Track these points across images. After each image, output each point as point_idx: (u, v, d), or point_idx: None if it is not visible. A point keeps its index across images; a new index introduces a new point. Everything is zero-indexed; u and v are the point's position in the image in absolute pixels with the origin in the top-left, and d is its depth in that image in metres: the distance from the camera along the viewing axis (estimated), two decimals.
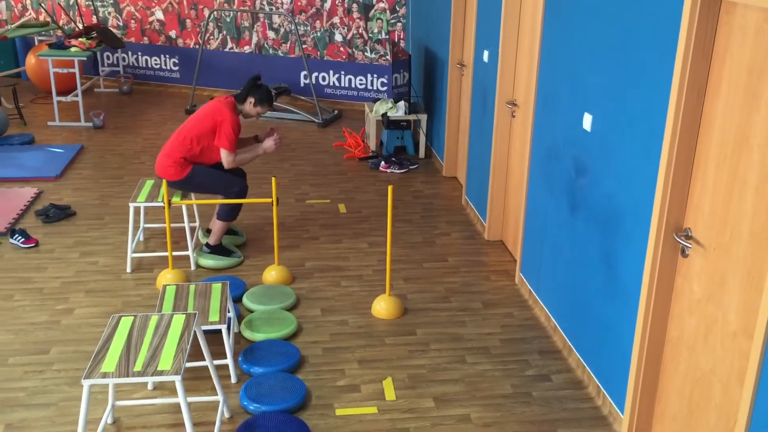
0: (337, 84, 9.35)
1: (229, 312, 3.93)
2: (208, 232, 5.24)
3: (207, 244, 4.97)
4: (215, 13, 9.47)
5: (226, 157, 4.75)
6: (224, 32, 9.54)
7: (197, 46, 9.68)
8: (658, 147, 2.97)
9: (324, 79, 9.37)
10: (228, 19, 9.48)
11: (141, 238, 5.30)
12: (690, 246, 2.90)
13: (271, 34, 9.41)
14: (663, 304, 3.08)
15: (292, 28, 9.26)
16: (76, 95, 8.22)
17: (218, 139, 4.72)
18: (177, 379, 2.84)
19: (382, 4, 8.97)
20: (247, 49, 9.51)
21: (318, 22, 9.19)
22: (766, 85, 2.43)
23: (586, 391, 3.70)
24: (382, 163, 7.03)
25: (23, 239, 5.16)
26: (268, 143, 4.92)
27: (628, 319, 3.29)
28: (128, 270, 4.85)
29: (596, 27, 3.57)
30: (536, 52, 4.36)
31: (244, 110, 4.87)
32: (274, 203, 4.58)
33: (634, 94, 3.18)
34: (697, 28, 2.68)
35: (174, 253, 4.93)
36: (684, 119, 2.81)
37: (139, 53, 9.95)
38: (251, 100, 4.83)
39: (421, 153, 7.42)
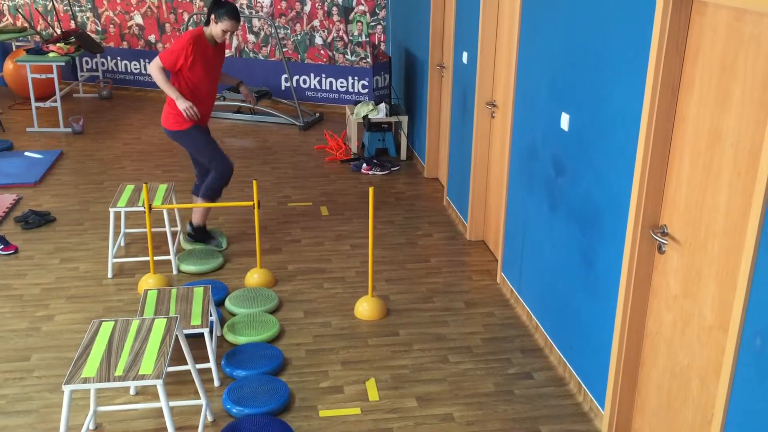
0: (318, 87, 9.36)
1: (211, 316, 3.93)
2: (189, 236, 5.23)
3: (189, 233, 4.99)
4: (195, 17, 9.45)
5: (152, 63, 4.65)
6: None
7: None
8: (633, 145, 3.01)
9: (305, 82, 9.37)
10: None
11: (122, 244, 5.28)
12: (666, 242, 2.94)
13: (251, 38, 9.40)
14: (641, 300, 3.12)
15: (273, 31, 9.26)
16: (55, 101, 8.16)
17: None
18: (158, 383, 2.83)
19: (362, 7, 8.99)
20: (227, 52, 9.49)
21: (298, 25, 9.20)
22: (737, 82, 2.47)
23: (567, 388, 3.73)
24: (364, 165, 7.05)
25: (2, 246, 5.12)
26: (183, 104, 4.64)
27: (607, 316, 3.33)
28: (109, 275, 4.83)
29: (572, 28, 3.61)
30: (514, 53, 4.40)
31: (213, 33, 4.72)
32: (256, 206, 4.58)
33: (610, 93, 3.22)
34: (670, 27, 2.73)
35: (155, 258, 4.92)
36: (658, 117, 2.85)
37: (119, 58, 9.90)
38: (213, 17, 4.67)
39: (403, 155, 7.45)
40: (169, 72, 4.70)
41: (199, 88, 4.77)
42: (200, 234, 5.01)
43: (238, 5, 9.26)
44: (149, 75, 9.80)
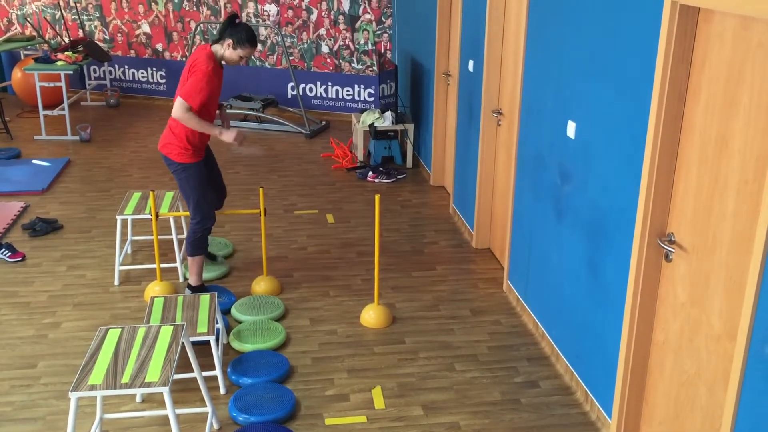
0: (324, 95, 9.38)
1: (217, 323, 3.93)
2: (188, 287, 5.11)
3: (188, 286, 4.59)
4: (202, 25, 9.49)
5: (178, 107, 4.05)
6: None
7: (184, 59, 9.69)
8: (640, 153, 3.01)
9: (311, 90, 9.40)
10: (215, 32, 9.49)
11: (129, 251, 5.29)
12: (673, 250, 2.93)
13: (258, 46, 9.43)
14: (648, 308, 3.10)
15: (279, 39, 9.29)
16: (63, 109, 8.21)
17: (182, 87, 4.10)
18: (165, 391, 2.83)
19: (368, 16, 9.02)
20: None
21: (305, 33, 9.23)
22: (744, 90, 2.47)
23: (574, 397, 3.72)
24: (370, 173, 7.05)
25: (10, 253, 5.14)
26: (230, 134, 4.23)
27: (614, 324, 3.32)
28: (116, 283, 4.83)
29: (578, 36, 3.61)
30: (520, 61, 4.40)
31: (224, 56, 4.21)
32: (262, 214, 4.58)
33: (617, 101, 3.22)
34: (676, 35, 2.73)
35: (162, 265, 4.92)
36: (665, 125, 2.84)
37: (126, 66, 9.95)
38: (229, 42, 4.15)
39: (409, 162, 7.45)
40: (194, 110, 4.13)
41: (211, 111, 4.30)
42: (202, 291, 4.57)
43: (244, 14, 9.31)
44: (156, 83, 9.85)
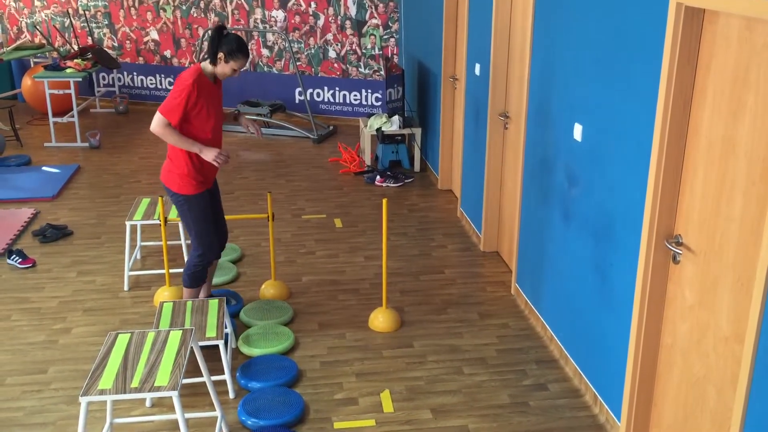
0: (331, 100, 9.41)
1: (226, 328, 3.94)
2: None
3: None
4: (209, 32, 9.54)
5: (155, 121, 3.84)
6: None
7: (192, 65, 9.73)
8: (647, 155, 3.01)
9: (319, 95, 9.42)
10: None
11: (138, 256, 5.32)
12: (681, 252, 2.93)
13: (265, 52, 9.47)
14: (656, 310, 3.10)
15: (286, 45, 9.33)
16: (72, 116, 8.26)
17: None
18: (174, 395, 2.85)
19: (375, 21, 9.04)
20: None
21: (312, 39, 9.26)
22: (750, 91, 2.46)
23: (583, 400, 3.71)
24: (378, 177, 7.07)
25: (20, 259, 5.18)
26: (210, 152, 3.92)
27: (622, 327, 3.31)
28: (125, 288, 4.86)
29: (584, 38, 3.62)
30: (526, 64, 4.41)
31: (219, 72, 3.98)
32: (270, 219, 4.60)
33: (623, 103, 3.22)
34: (682, 37, 2.73)
35: (171, 271, 4.94)
36: (671, 127, 2.84)
37: (135, 73, 10.01)
38: (221, 55, 3.91)
39: (416, 166, 7.46)
40: (173, 126, 3.89)
41: (208, 132, 4.00)
42: None
43: (251, 21, 9.35)
44: (165, 90, 9.90)
